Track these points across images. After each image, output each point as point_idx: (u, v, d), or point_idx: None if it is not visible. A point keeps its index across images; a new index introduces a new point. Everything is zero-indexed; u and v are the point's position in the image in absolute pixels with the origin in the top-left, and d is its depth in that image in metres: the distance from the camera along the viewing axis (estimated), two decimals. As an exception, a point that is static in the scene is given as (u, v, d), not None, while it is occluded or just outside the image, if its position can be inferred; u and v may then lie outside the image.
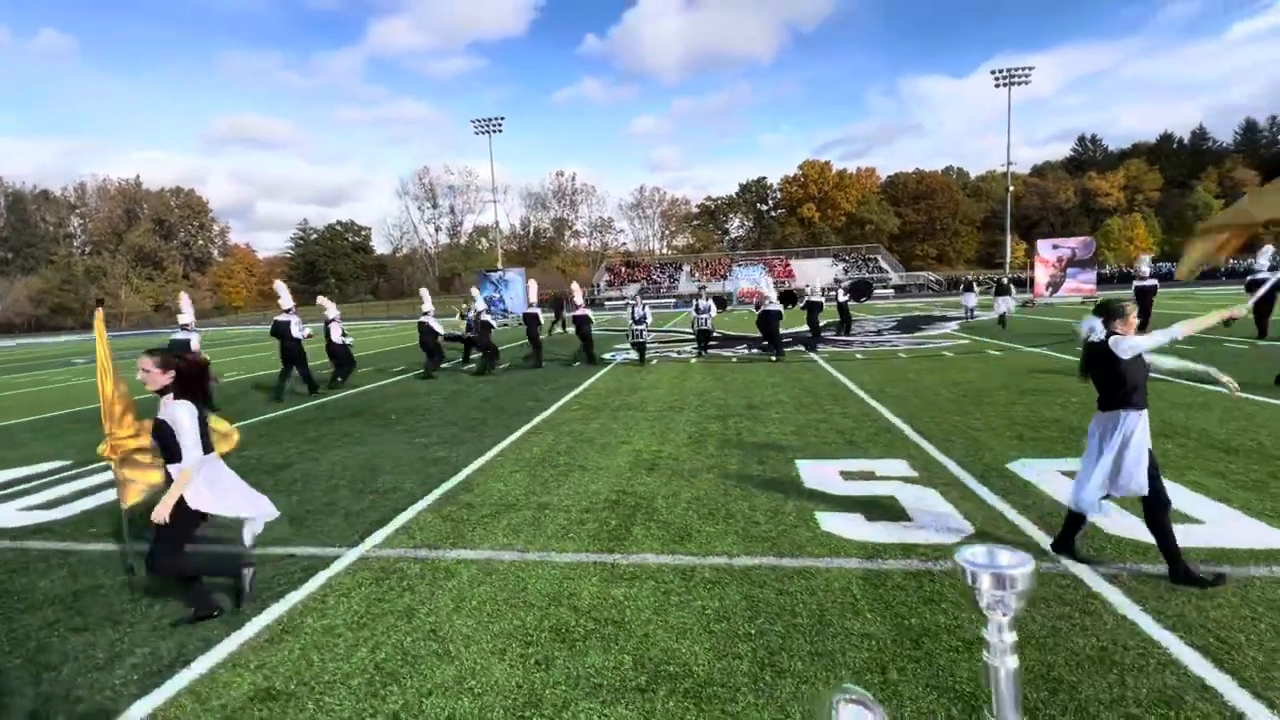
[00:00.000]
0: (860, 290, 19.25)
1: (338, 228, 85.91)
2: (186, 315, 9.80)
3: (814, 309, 14.51)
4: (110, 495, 5.36)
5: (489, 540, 4.04)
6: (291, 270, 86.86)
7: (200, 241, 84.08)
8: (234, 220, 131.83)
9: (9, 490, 5.78)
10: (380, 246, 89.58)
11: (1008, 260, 57.54)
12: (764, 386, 9.40)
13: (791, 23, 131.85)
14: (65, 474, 6.25)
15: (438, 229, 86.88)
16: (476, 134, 59.62)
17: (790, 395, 8.56)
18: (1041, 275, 27.28)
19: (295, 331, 10.30)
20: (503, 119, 59.42)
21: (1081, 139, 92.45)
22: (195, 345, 9.56)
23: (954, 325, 18.65)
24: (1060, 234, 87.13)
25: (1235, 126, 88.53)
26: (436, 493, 5.07)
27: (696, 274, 56.17)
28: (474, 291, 15.12)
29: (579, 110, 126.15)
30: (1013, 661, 0.69)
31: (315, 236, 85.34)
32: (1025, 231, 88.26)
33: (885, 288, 50.52)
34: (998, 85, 54.67)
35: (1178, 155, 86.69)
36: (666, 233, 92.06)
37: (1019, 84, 54.56)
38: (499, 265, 62.89)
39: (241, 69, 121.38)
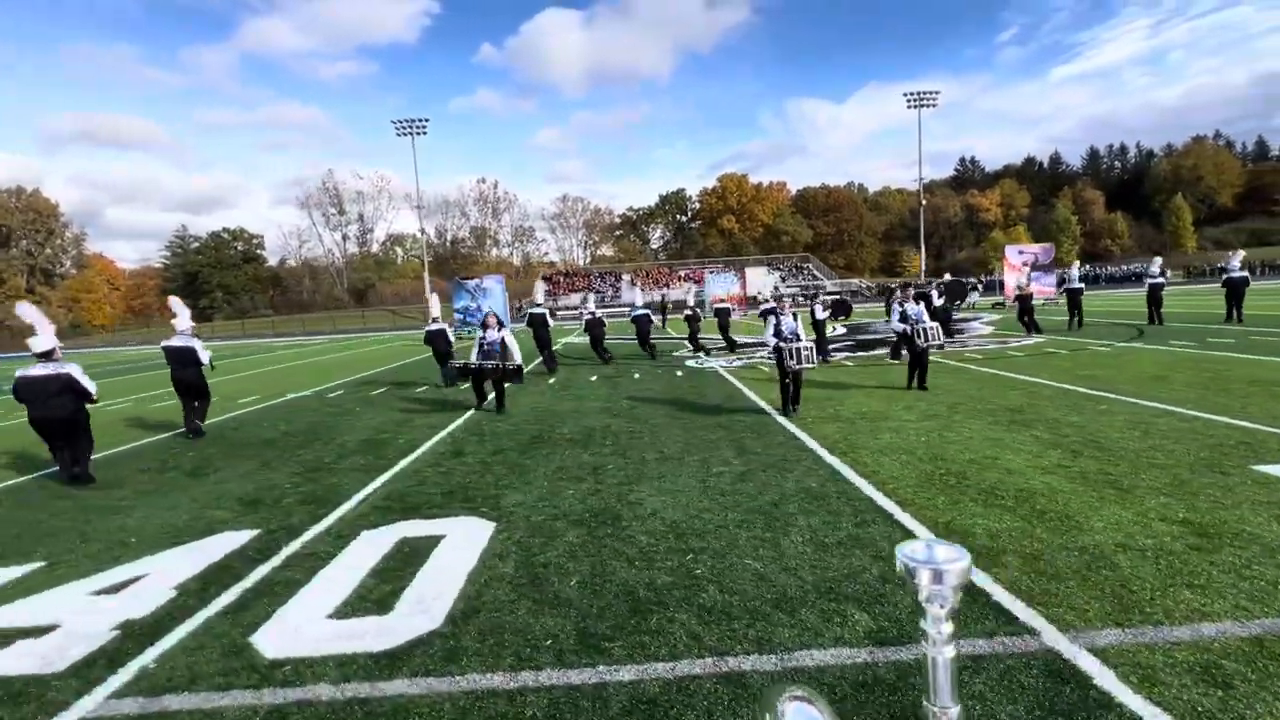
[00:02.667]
0: (956, 293, 19.17)
1: (224, 236, 77.15)
2: (435, 309, 12.99)
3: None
4: (452, 577, 3.59)
5: (1185, 606, 2.92)
6: (167, 283, 77.05)
7: (48, 250, 72.09)
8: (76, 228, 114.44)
9: (243, 588, 3.76)
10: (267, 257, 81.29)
11: (923, 268, 62.04)
12: (948, 390, 8.71)
13: (687, 44, 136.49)
14: (298, 543, 4.25)
15: (345, 238, 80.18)
16: (399, 135, 55.77)
17: (1015, 399, 7.91)
18: (1010, 279, 29.22)
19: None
20: (427, 120, 56.10)
21: (962, 160, 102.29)
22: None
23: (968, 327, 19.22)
24: (950, 245, 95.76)
25: (1082, 153, 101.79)
26: (927, 539, 3.83)
27: (638, 283, 55.66)
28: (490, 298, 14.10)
29: (477, 120, 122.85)
30: (950, 651, 0.71)
31: (197, 245, 76.10)
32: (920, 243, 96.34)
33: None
34: (909, 106, 58.86)
35: (1039, 176, 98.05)
36: (590, 243, 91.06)
37: (927, 106, 59.15)
38: (423, 273, 59.05)
39: (89, 61, 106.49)
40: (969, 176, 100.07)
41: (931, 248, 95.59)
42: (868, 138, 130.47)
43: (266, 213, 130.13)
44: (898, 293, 7.57)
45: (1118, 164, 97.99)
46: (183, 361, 8.31)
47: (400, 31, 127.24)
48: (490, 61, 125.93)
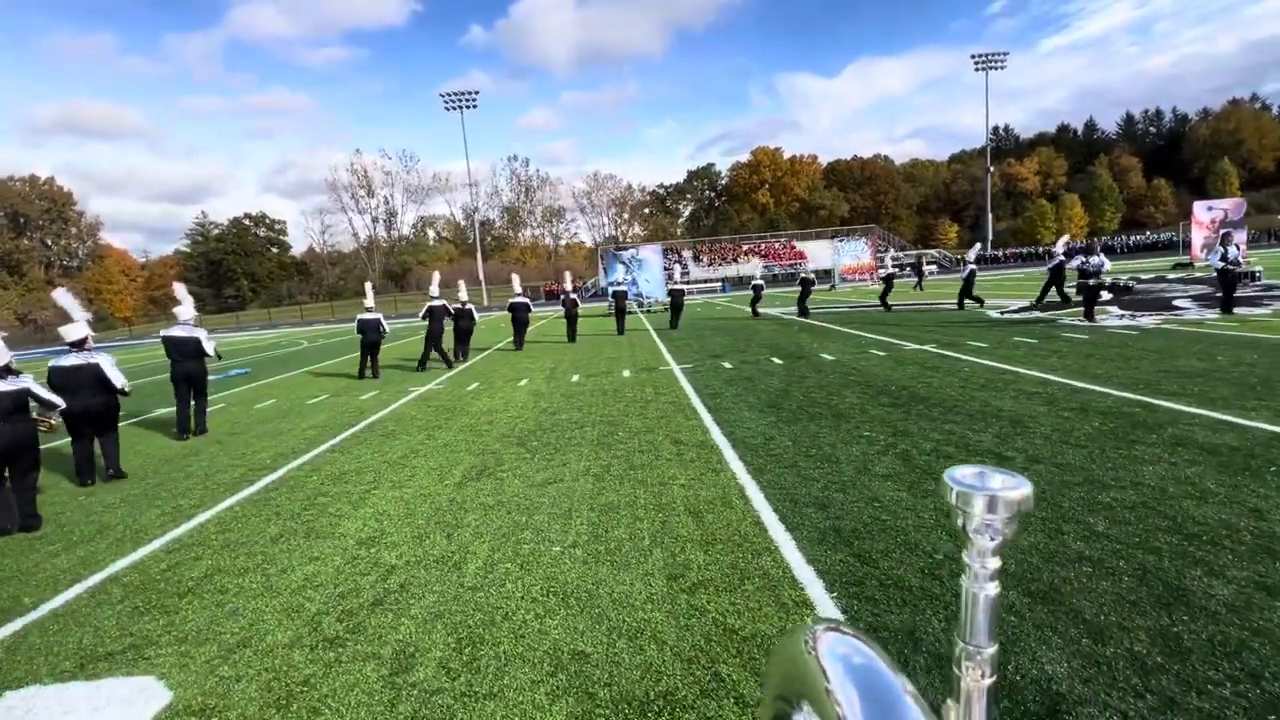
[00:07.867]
0: None
1: (246, 222, 74.04)
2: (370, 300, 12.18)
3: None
4: None
5: None
6: (189, 272, 74.00)
7: (64, 241, 68.62)
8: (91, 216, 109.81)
9: None
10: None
11: (989, 238, 60.41)
12: None
13: (679, 21, 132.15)
14: None
15: (375, 220, 77.04)
16: (447, 109, 53.11)
17: None
18: (1197, 237, 27.11)
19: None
20: (477, 93, 53.50)
21: (996, 129, 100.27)
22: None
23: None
24: (985, 214, 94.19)
25: (1117, 119, 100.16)
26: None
27: (705, 258, 53.86)
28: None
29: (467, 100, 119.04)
30: (993, 588, 0.66)
31: (218, 233, 72.95)
32: (956, 214, 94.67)
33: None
34: (977, 69, 56.83)
35: (1074, 144, 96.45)
36: (620, 221, 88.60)
37: (995, 69, 57.05)
38: (475, 255, 56.80)
39: (69, 52, 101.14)
40: (1004, 145, 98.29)
41: (968, 218, 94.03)
42: (856, 112, 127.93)
43: (253, 199, 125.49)
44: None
45: (1153, 129, 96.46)
46: (184, 353, 7.82)
47: (389, 15, 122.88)
48: (479, 42, 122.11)
